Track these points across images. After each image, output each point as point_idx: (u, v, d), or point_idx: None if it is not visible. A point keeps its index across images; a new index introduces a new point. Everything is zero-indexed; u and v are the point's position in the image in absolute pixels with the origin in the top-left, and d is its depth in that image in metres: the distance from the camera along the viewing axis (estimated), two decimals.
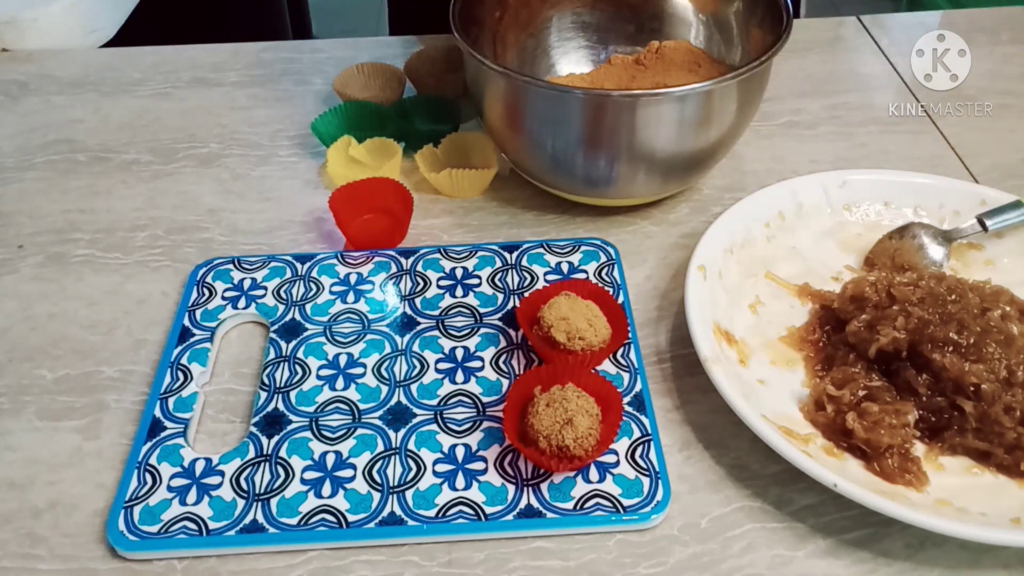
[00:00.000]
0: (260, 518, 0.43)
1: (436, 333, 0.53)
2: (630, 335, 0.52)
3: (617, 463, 0.46)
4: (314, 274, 0.56)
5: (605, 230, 0.61)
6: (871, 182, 0.60)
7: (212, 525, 0.43)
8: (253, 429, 0.47)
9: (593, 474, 0.45)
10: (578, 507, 0.44)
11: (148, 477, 0.45)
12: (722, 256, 0.55)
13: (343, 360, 0.51)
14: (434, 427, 0.47)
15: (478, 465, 0.46)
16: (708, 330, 0.50)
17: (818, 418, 0.48)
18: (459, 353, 0.51)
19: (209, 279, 0.56)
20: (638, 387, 0.49)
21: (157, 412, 0.48)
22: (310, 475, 0.45)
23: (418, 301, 0.54)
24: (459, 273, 0.56)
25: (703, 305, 0.51)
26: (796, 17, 0.85)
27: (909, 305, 0.50)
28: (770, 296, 0.55)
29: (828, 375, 0.49)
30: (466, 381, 0.50)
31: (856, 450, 0.46)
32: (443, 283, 0.56)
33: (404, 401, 0.49)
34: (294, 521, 0.43)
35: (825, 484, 0.42)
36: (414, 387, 0.49)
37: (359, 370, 0.50)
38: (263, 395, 0.49)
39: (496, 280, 0.56)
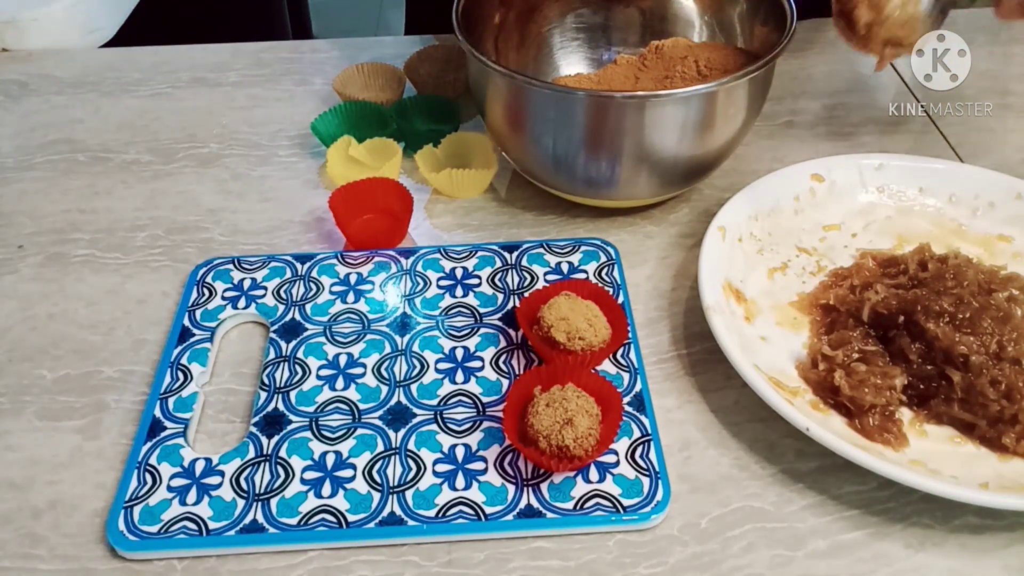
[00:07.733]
0: (260, 518, 0.43)
1: (436, 333, 0.53)
2: (630, 335, 0.52)
3: (617, 463, 0.46)
4: (314, 274, 0.56)
5: (605, 230, 0.61)
6: (908, 167, 0.60)
7: (212, 525, 0.43)
8: (253, 429, 0.47)
9: (593, 474, 0.45)
10: (578, 507, 0.44)
11: (148, 477, 0.45)
12: (746, 221, 0.56)
13: (343, 360, 0.51)
14: (434, 427, 0.47)
15: (478, 465, 0.46)
16: (717, 284, 0.51)
17: (810, 375, 0.49)
18: (459, 353, 0.51)
19: (209, 279, 0.56)
20: (638, 387, 0.49)
21: (157, 412, 0.48)
22: (310, 475, 0.45)
23: (418, 301, 0.54)
24: (459, 273, 0.56)
25: (719, 262, 0.53)
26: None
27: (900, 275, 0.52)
28: (791, 267, 0.56)
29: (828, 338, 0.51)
30: (466, 381, 0.50)
31: (842, 408, 0.47)
32: (443, 283, 0.56)
33: (404, 401, 0.49)
34: (294, 521, 0.43)
35: (798, 427, 0.44)
36: (414, 387, 0.49)
37: (359, 370, 0.50)
38: (263, 395, 0.49)
39: (496, 280, 0.56)
